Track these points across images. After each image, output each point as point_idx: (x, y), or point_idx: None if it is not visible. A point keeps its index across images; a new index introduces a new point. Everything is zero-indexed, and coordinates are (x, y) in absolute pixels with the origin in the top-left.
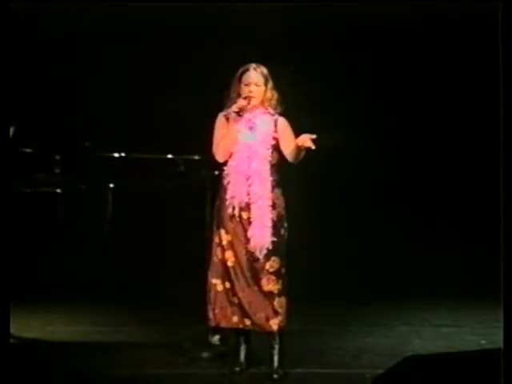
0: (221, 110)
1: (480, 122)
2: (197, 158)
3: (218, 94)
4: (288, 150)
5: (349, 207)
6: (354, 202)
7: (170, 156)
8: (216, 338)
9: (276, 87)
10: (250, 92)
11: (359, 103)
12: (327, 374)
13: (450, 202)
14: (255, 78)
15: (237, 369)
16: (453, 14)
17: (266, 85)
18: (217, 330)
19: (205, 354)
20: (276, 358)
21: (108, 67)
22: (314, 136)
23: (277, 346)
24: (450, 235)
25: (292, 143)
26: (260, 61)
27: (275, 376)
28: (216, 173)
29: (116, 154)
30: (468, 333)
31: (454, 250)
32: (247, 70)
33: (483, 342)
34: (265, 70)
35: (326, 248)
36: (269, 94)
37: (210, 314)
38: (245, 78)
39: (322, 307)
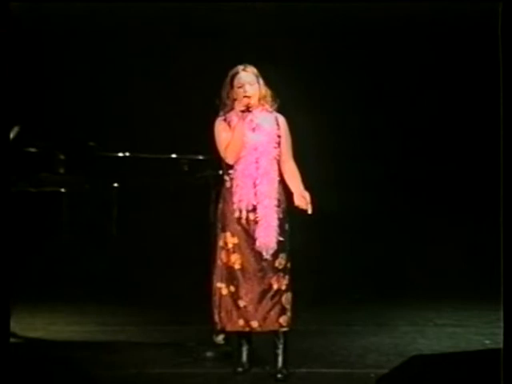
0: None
1: (479, 123)
2: (201, 157)
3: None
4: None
5: (351, 207)
6: (356, 202)
7: (174, 156)
8: (220, 338)
9: (266, 84)
10: (246, 92)
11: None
12: (332, 374)
13: (453, 202)
14: (247, 78)
15: (239, 369)
16: (453, 13)
17: (258, 82)
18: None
19: (209, 354)
20: (280, 358)
21: (112, 67)
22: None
23: (281, 346)
24: (455, 234)
25: (288, 151)
26: (261, 62)
27: (279, 376)
28: (220, 172)
29: (120, 154)
30: (473, 333)
31: (459, 249)
32: (237, 72)
33: (488, 341)
34: (254, 69)
35: (330, 248)
36: (263, 91)
37: (216, 318)
38: (236, 81)
39: (326, 307)
